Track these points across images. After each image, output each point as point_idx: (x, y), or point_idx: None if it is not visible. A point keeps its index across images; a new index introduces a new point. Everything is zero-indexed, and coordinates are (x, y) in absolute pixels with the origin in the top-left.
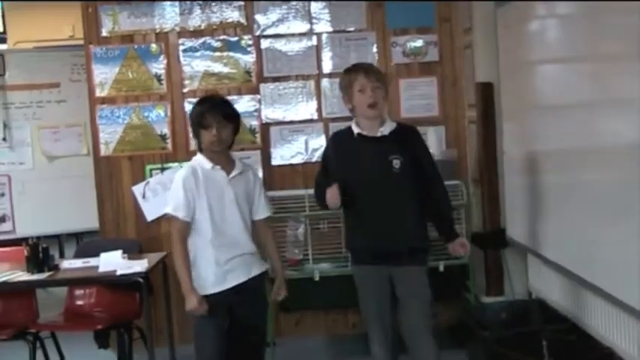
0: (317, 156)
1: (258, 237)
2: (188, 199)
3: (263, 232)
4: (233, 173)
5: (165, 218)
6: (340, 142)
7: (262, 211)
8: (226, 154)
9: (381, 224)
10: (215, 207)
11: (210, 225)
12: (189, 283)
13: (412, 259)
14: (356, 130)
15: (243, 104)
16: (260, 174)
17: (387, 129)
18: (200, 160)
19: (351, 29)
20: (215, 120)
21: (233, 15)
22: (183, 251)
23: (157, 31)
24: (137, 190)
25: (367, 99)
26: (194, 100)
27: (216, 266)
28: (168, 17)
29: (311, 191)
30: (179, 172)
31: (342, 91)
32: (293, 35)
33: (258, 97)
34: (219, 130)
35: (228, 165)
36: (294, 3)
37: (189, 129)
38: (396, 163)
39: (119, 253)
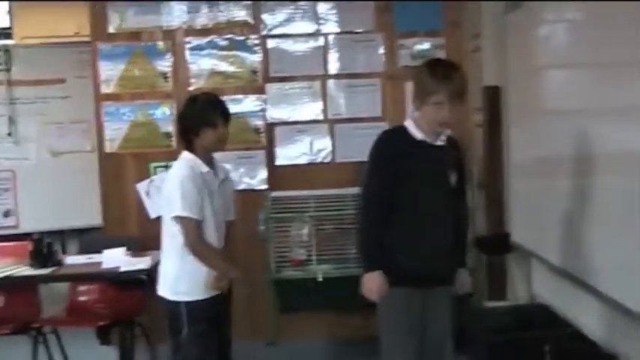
0: (321, 157)
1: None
2: (201, 197)
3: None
4: (220, 177)
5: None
6: (399, 144)
7: (232, 212)
8: (210, 156)
9: (434, 244)
10: (213, 211)
11: (210, 229)
12: (225, 264)
13: (447, 280)
14: (419, 134)
15: (248, 104)
16: (264, 174)
17: (443, 137)
18: (196, 162)
19: (359, 31)
20: (222, 117)
21: (240, 14)
22: (210, 247)
23: (164, 28)
24: (141, 187)
25: (442, 116)
26: None
27: (208, 272)
28: (176, 15)
29: (316, 192)
30: (179, 173)
31: (416, 87)
32: (300, 35)
33: (264, 96)
34: (225, 128)
35: (214, 169)
36: (301, 3)
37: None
38: (453, 177)
39: (122, 250)
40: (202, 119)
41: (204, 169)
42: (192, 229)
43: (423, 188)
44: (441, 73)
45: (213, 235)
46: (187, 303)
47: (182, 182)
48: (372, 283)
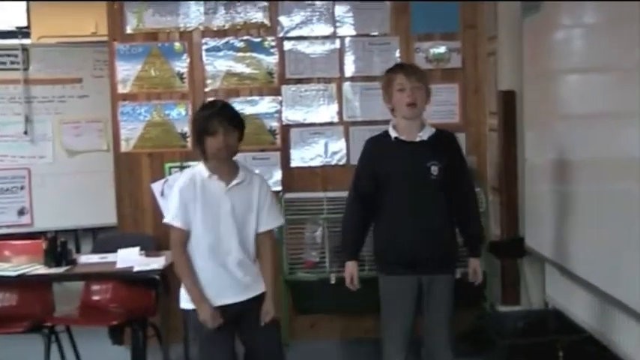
0: (336, 159)
1: (257, 249)
2: (185, 208)
3: (262, 243)
4: (233, 183)
5: None
6: (377, 147)
7: (266, 222)
8: (230, 162)
9: (417, 232)
10: (209, 219)
11: (202, 238)
12: (197, 292)
13: (443, 268)
14: (393, 134)
15: (264, 105)
16: (279, 176)
17: (425, 134)
18: (199, 169)
19: (375, 33)
20: (221, 125)
21: (257, 16)
22: (184, 259)
23: (181, 29)
24: (156, 187)
25: (406, 98)
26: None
27: (204, 282)
28: (193, 16)
29: (330, 194)
30: (178, 180)
31: (382, 90)
32: (316, 38)
33: (280, 98)
34: (226, 135)
35: (229, 174)
36: (318, 5)
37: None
38: (434, 169)
39: (137, 249)
40: (203, 128)
41: (205, 174)
42: (173, 236)
43: (403, 182)
44: (392, 67)
45: (205, 246)
46: (188, 311)
47: (172, 191)
48: (346, 272)
